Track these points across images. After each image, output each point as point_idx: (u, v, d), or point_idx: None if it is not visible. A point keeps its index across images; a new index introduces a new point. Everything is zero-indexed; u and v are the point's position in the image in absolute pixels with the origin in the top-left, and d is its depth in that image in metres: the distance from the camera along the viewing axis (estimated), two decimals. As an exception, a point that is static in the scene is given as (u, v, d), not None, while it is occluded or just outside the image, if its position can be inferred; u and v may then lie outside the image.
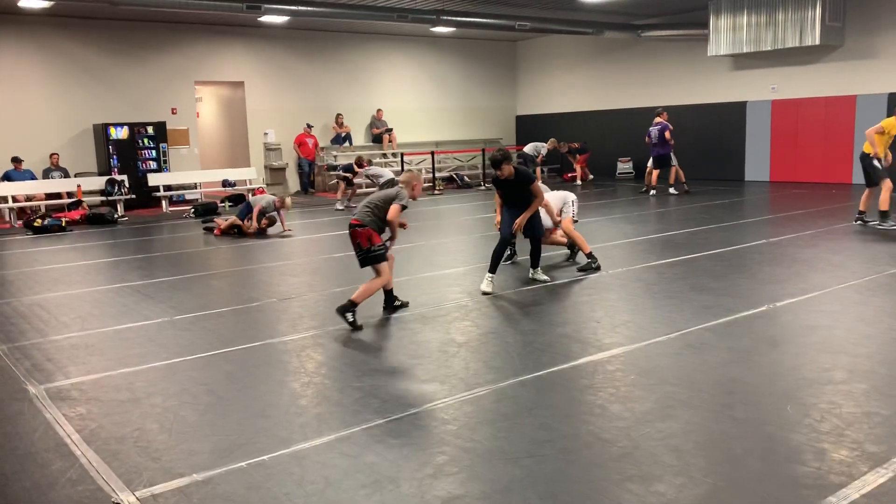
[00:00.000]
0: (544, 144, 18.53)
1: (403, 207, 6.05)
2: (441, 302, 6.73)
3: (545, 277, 7.46)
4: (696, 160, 17.81)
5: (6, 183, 14.69)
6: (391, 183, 6.36)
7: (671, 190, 15.32)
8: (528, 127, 22.63)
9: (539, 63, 22.53)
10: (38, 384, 4.80)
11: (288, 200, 12.14)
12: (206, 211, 14.80)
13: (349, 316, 5.83)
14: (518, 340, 5.53)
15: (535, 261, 7.50)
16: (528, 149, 18.63)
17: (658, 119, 15.38)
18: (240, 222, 11.71)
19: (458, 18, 15.93)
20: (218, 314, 6.63)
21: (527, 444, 3.65)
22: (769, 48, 16.04)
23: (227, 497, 3.21)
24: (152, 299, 7.29)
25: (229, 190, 17.00)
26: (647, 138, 15.59)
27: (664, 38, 18.38)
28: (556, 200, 8.16)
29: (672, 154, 15.36)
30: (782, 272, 7.48)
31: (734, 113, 17.58)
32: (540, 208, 7.40)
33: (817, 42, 15.23)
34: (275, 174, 18.84)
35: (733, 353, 4.94)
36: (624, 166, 20.03)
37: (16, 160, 15.11)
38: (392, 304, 6.44)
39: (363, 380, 4.73)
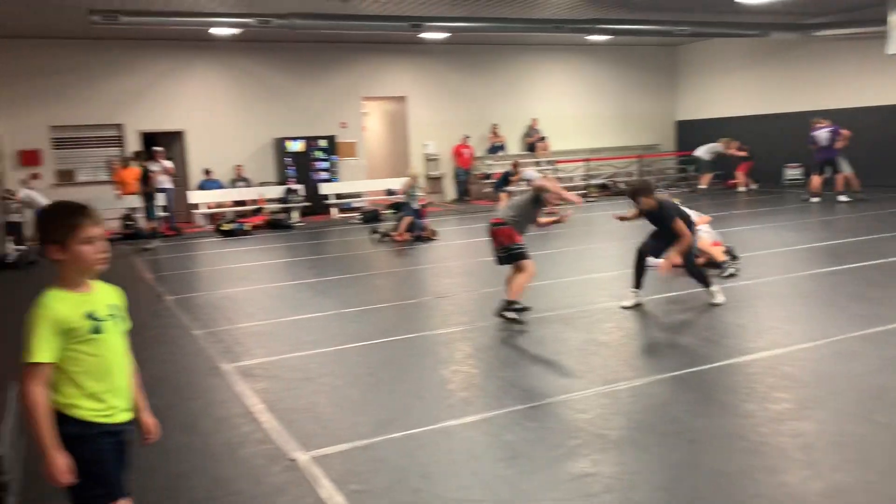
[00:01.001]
0: (717, 146, 18.10)
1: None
2: (585, 304, 6.97)
3: (721, 299, 6.60)
4: (872, 165, 16.59)
5: (200, 192, 16.49)
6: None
7: (841, 198, 14.45)
8: (689, 132, 22.05)
9: (701, 67, 21.92)
10: (228, 363, 5.58)
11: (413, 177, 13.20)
12: (372, 217, 15.82)
13: (509, 314, 6.17)
14: (659, 342, 5.67)
15: (703, 281, 6.70)
16: (702, 152, 18.25)
17: (822, 122, 14.65)
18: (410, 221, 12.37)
19: (615, 27, 15.94)
20: (380, 309, 7.26)
21: (657, 435, 3.86)
22: (961, 43, 14.72)
23: (384, 461, 3.70)
24: (324, 295, 8.08)
25: (392, 198, 18.00)
26: (812, 144, 14.84)
27: (836, 38, 17.33)
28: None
29: (842, 159, 14.54)
30: (956, 283, 7.03)
31: (918, 114, 16.27)
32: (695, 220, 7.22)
33: None
34: (433, 183, 19.71)
35: (884, 362, 4.82)
36: (792, 172, 19.04)
37: (207, 171, 16.94)
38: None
39: (506, 370, 5.11)
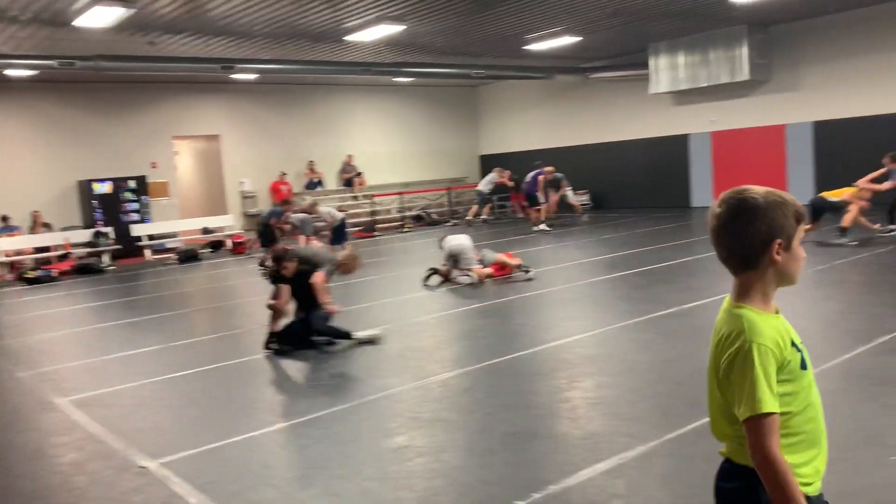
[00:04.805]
0: (493, 175, 19.28)
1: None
2: (403, 320, 7.78)
3: (370, 334, 6.72)
4: (644, 189, 19.20)
5: (-2, 239, 15.55)
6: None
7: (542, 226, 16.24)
8: (492, 165, 23.84)
9: (498, 106, 23.95)
10: (62, 397, 5.74)
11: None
12: (188, 257, 15.75)
13: (272, 346, 6.64)
14: (464, 344, 6.56)
15: (339, 337, 6.69)
16: (482, 184, 19.37)
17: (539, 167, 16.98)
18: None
19: (417, 70, 17.23)
20: (205, 340, 7.61)
21: (460, 413, 4.69)
22: (705, 84, 17.47)
23: (229, 458, 4.21)
24: (148, 332, 8.24)
25: (209, 237, 17.97)
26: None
27: (610, 79, 19.84)
28: (471, 251, 9.83)
29: (538, 194, 16.68)
30: (699, 282, 8.63)
31: (678, 145, 18.98)
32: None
33: (747, 77, 16.67)
34: (251, 220, 19.86)
35: (637, 344, 6.05)
36: (579, 199, 21.28)
37: (4, 218, 16.00)
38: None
39: (334, 378, 5.75)
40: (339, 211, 14.67)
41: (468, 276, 9.53)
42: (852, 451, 3.53)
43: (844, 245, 10.12)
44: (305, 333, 6.59)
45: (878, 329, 5.75)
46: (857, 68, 15.60)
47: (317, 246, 10.93)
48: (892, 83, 15.06)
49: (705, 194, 18.70)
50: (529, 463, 3.82)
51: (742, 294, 1.76)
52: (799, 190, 16.70)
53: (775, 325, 1.72)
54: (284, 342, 6.67)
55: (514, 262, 9.88)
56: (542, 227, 16.06)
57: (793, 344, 1.72)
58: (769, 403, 1.63)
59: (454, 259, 9.80)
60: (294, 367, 6.22)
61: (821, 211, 10.60)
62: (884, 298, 7.19)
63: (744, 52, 16.68)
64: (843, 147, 15.76)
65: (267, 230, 14.20)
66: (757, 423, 1.63)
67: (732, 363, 1.68)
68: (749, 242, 1.73)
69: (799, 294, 7.39)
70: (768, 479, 1.64)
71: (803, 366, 1.73)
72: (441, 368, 5.76)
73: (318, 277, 6.67)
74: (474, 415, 4.62)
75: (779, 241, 1.72)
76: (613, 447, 3.88)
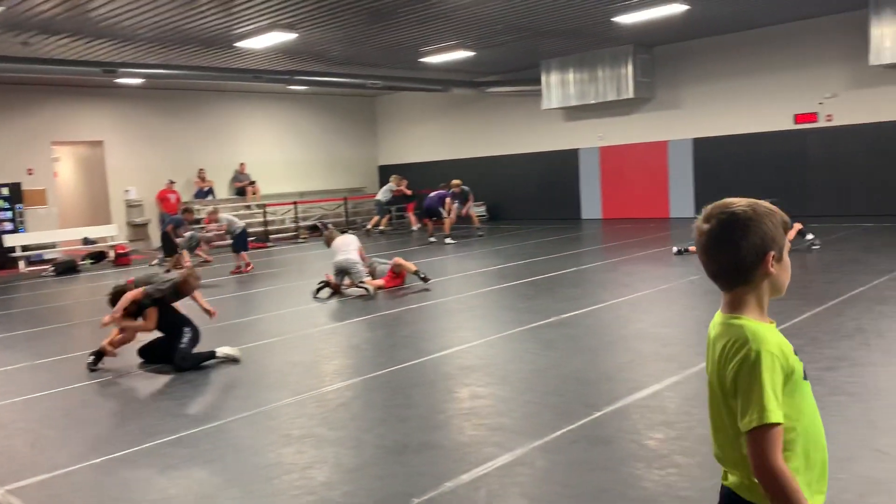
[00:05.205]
0: (391, 185, 19.18)
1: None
2: (287, 333, 7.64)
3: (237, 353, 6.48)
4: (537, 202, 19.71)
5: None
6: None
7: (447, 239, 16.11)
8: (391, 176, 23.88)
9: (396, 116, 24.01)
10: None
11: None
12: (66, 269, 14.93)
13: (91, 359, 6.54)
14: (346, 357, 6.51)
15: (205, 358, 6.44)
16: (380, 194, 19.23)
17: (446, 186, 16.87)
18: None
19: (312, 78, 17.05)
20: (77, 357, 7.21)
21: (334, 429, 4.64)
22: (593, 101, 18.12)
23: (84, 482, 4.00)
24: (11, 349, 7.75)
25: (90, 247, 17.11)
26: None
27: (504, 94, 20.26)
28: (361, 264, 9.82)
29: (441, 209, 16.60)
30: (580, 292, 8.90)
31: (568, 159, 19.58)
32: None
33: (631, 95, 17.40)
34: (137, 230, 19.07)
35: (514, 353, 6.18)
36: (476, 210, 21.58)
37: None
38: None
39: (205, 396, 5.57)
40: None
41: (361, 287, 9.47)
42: (709, 453, 3.70)
43: None
44: (168, 354, 6.44)
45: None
46: (732, 89, 16.59)
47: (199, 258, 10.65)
48: (764, 103, 16.09)
49: (594, 207, 19.37)
50: (397, 476, 3.82)
51: (737, 307, 1.72)
52: (681, 202, 17.62)
53: (776, 334, 1.68)
54: (144, 356, 6.68)
55: (412, 267, 9.89)
56: (448, 240, 15.87)
57: (796, 354, 1.68)
58: (775, 413, 1.57)
59: (344, 274, 9.72)
60: (165, 385, 5.99)
61: None
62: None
63: (629, 70, 17.41)
64: (720, 162, 16.73)
65: (166, 238, 14.18)
66: (762, 434, 1.57)
67: (739, 371, 1.61)
68: (743, 257, 1.67)
69: (667, 304, 7.76)
70: (776, 494, 1.57)
71: (805, 376, 1.69)
72: (319, 383, 5.68)
73: (127, 295, 6.55)
74: (347, 430, 4.59)
75: (772, 252, 1.68)
76: (479, 457, 3.93)
